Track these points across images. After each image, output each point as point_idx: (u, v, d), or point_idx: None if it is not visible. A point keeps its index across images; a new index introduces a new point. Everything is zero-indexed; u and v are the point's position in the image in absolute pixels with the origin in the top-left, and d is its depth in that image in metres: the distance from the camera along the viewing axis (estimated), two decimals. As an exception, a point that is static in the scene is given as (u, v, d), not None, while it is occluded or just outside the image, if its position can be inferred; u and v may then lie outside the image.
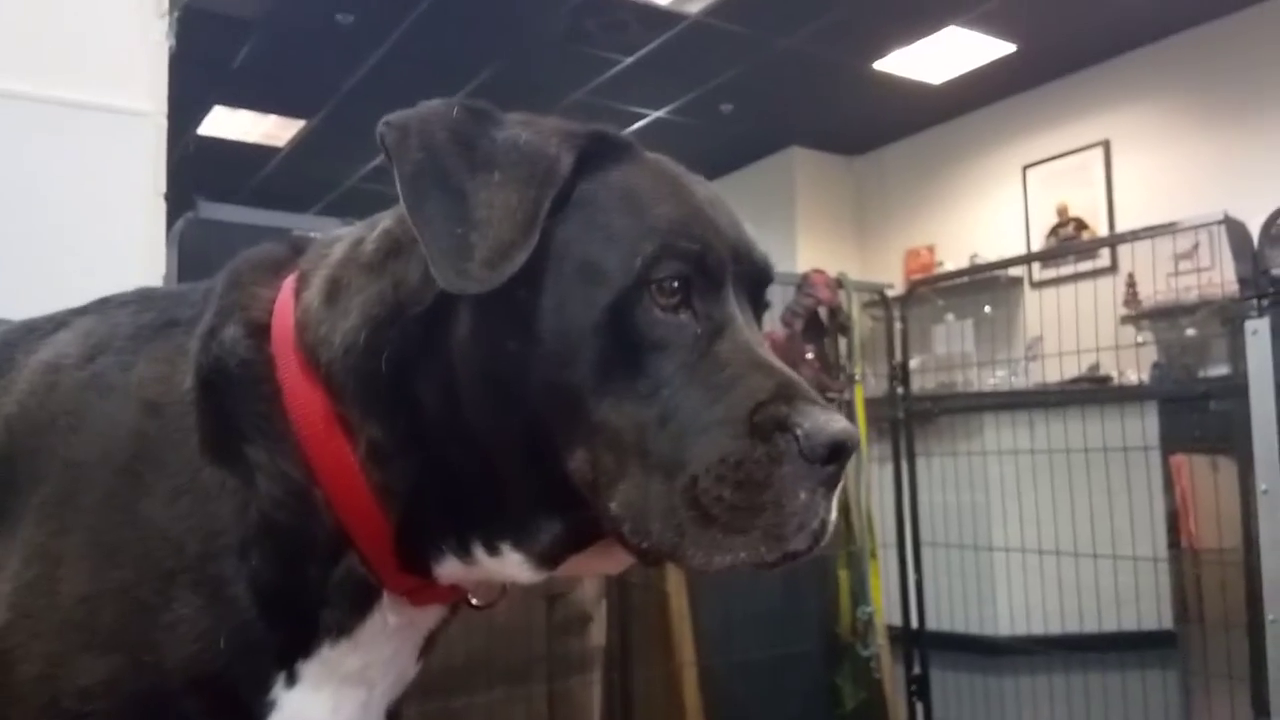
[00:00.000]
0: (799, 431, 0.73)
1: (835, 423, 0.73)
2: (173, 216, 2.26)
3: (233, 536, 0.79)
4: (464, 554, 0.81)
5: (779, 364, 0.78)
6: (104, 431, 0.82)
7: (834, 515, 0.76)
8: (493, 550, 0.80)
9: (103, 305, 0.95)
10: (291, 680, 0.81)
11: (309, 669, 0.82)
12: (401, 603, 0.85)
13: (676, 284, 0.77)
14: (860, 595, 3.12)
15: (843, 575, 3.16)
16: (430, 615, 0.90)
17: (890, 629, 3.25)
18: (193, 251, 2.25)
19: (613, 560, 0.84)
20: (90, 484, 0.80)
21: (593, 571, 0.90)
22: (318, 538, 0.81)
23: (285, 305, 0.86)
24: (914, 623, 3.26)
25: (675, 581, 2.87)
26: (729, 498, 0.71)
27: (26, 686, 0.76)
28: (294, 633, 0.81)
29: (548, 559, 0.81)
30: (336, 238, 0.91)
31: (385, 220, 0.87)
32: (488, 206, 0.75)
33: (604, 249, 0.77)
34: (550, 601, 2.77)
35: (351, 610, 0.83)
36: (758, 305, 0.87)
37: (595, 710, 2.80)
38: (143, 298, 0.94)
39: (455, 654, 2.51)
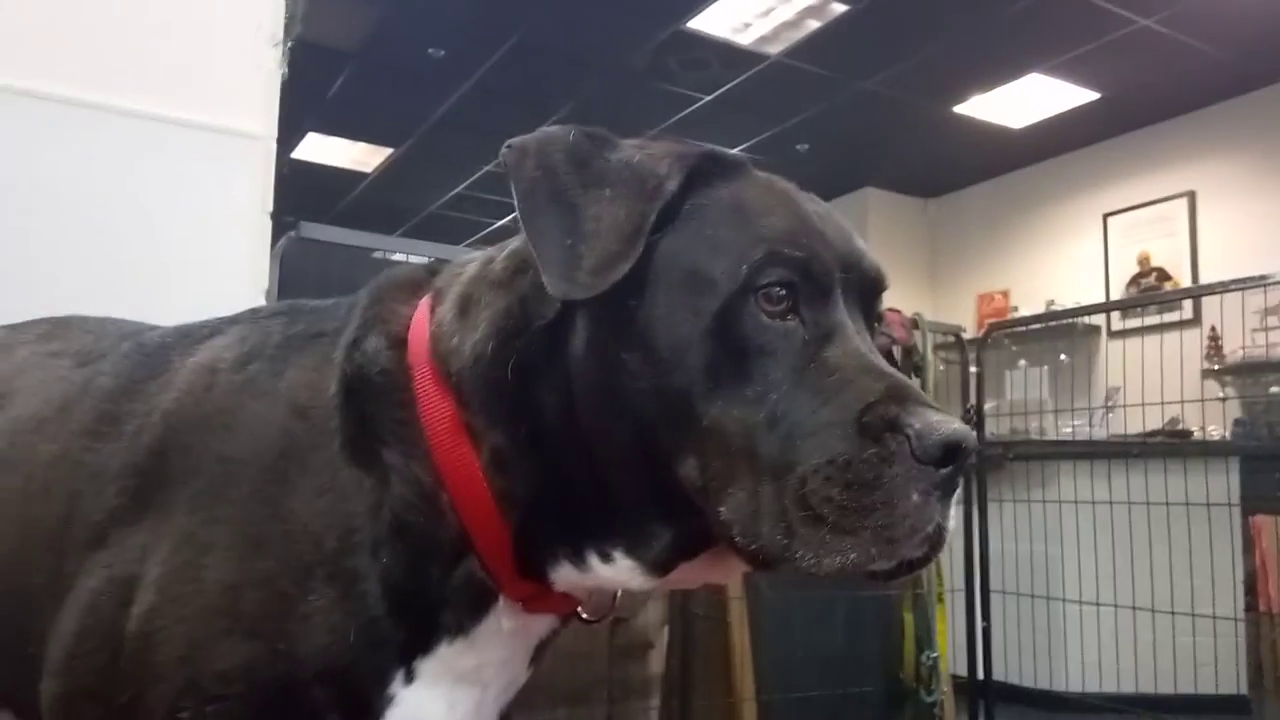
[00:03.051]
0: (910, 431, 0.71)
1: (950, 423, 0.72)
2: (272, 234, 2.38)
3: (366, 534, 0.83)
4: (579, 560, 0.83)
5: (890, 368, 0.78)
6: (255, 431, 0.87)
7: (952, 523, 0.74)
8: (606, 557, 0.82)
9: (254, 315, 1.01)
10: (410, 677, 0.84)
11: (427, 666, 0.84)
12: (516, 608, 0.87)
13: (783, 291, 0.78)
14: (925, 640, 3.07)
15: (908, 618, 3.12)
16: (542, 623, 0.92)
17: (954, 678, 3.20)
18: (293, 267, 2.37)
19: (723, 569, 0.84)
20: (240, 479, 0.85)
21: (703, 580, 0.89)
22: (442, 540, 0.84)
23: (422, 319, 0.90)
24: (980, 672, 3.20)
25: (738, 614, 2.87)
26: (838, 498, 0.71)
27: (168, 667, 0.79)
28: (416, 630, 0.84)
29: (659, 566, 0.82)
30: (470, 259, 0.96)
31: (514, 242, 0.91)
32: (596, 220, 0.78)
33: (711, 258, 0.79)
34: (613, 627, 2.79)
35: (470, 612, 0.85)
36: (870, 314, 0.87)
37: (653, 737, 2.80)
38: (292, 309, 1.00)
39: (518, 673, 2.54)
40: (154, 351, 1.00)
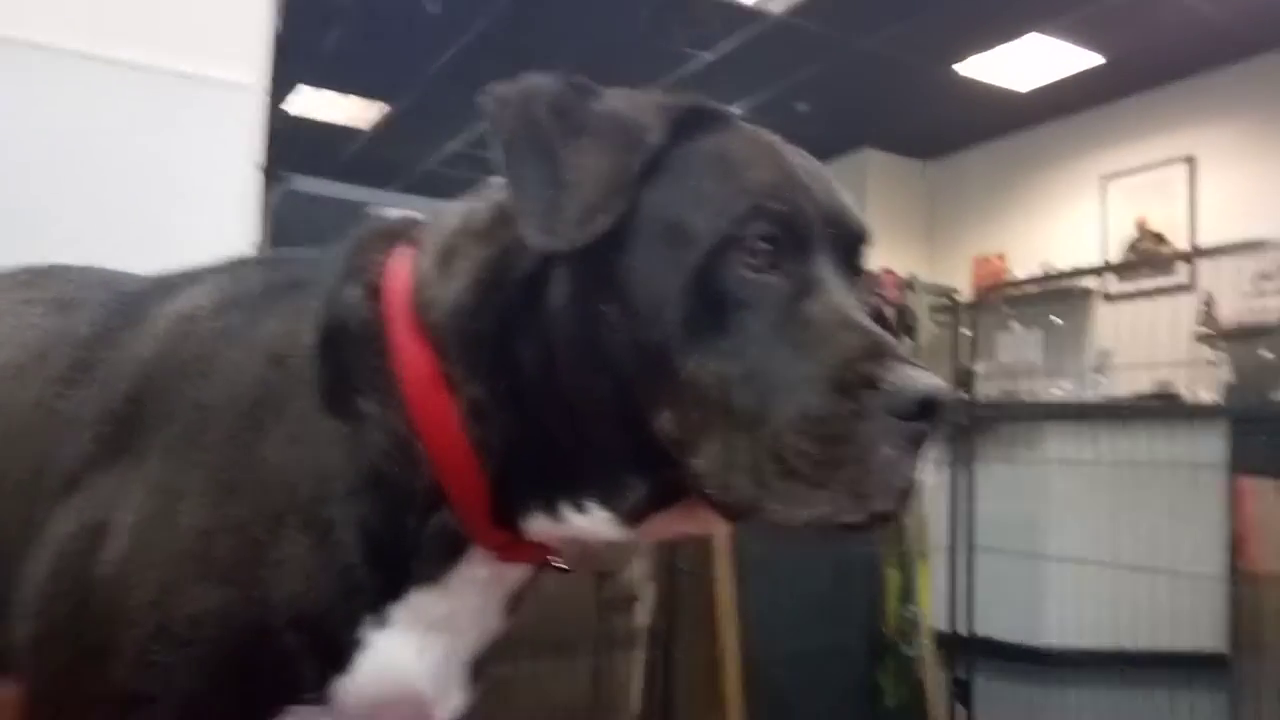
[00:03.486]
0: (886, 386, 0.72)
1: (926, 378, 0.73)
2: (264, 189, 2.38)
3: (341, 483, 0.83)
4: (552, 511, 0.84)
5: (871, 325, 0.78)
6: (231, 378, 0.87)
7: (928, 478, 0.74)
8: (580, 508, 0.83)
9: (234, 264, 1.01)
10: (382, 622, 0.85)
11: (399, 612, 0.85)
12: (490, 557, 0.88)
13: (765, 244, 0.78)
14: (908, 596, 3.12)
15: (892, 575, 3.17)
16: (516, 572, 0.93)
17: (936, 633, 3.26)
18: (285, 221, 2.37)
19: (697, 520, 0.85)
20: (215, 426, 0.85)
21: (677, 531, 0.90)
22: (417, 489, 0.84)
23: (402, 270, 0.90)
24: (961, 627, 3.25)
25: (723, 570, 2.91)
26: (811, 452, 0.71)
27: (140, 611, 0.80)
28: (389, 577, 0.84)
29: (633, 517, 0.82)
30: (453, 210, 0.95)
31: (497, 193, 0.90)
32: (578, 170, 0.77)
33: (693, 211, 0.78)
34: (598, 581, 2.83)
35: (443, 560, 0.86)
36: (854, 270, 0.86)
37: (637, 686, 2.85)
38: (273, 259, 1.02)
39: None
40: (131, 299, 1.00)
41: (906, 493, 0.73)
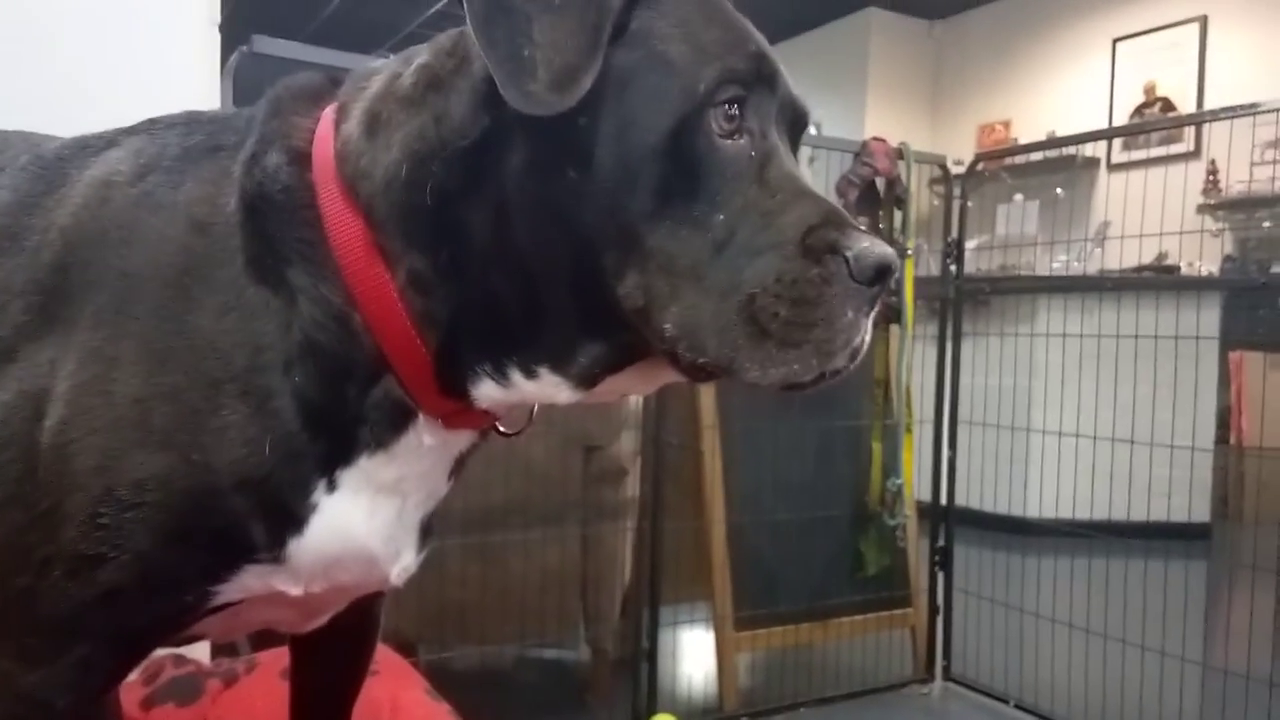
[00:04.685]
0: (848, 254, 0.76)
1: (880, 246, 0.78)
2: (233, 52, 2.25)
3: (277, 353, 0.82)
4: (502, 378, 0.84)
5: (819, 194, 0.81)
6: (154, 245, 0.85)
7: (869, 337, 0.80)
8: (531, 374, 0.83)
9: (151, 125, 0.96)
10: (332, 486, 0.85)
11: (348, 477, 0.86)
12: (436, 424, 0.88)
13: (734, 109, 0.79)
14: (892, 468, 3.15)
15: (876, 447, 3.19)
16: (462, 438, 0.94)
17: (920, 504, 3.30)
18: (248, 87, 2.25)
19: (648, 381, 0.87)
20: (142, 294, 0.83)
21: (628, 392, 0.94)
22: (357, 360, 0.84)
23: (325, 135, 0.87)
24: (943, 498, 3.29)
25: (710, 442, 2.93)
26: (784, 314, 0.75)
27: (84, 477, 0.80)
28: (334, 444, 0.85)
29: (586, 380, 0.83)
30: (373, 70, 0.91)
31: (422, 55, 0.87)
32: (550, 30, 0.76)
33: (664, 76, 0.78)
34: (588, 454, 2.86)
35: (389, 428, 0.86)
36: (795, 141, 0.88)
37: (625, 555, 2.92)
38: (190, 120, 0.96)
39: (495, 495, 2.61)
40: (51, 164, 0.96)
41: (858, 351, 0.79)
